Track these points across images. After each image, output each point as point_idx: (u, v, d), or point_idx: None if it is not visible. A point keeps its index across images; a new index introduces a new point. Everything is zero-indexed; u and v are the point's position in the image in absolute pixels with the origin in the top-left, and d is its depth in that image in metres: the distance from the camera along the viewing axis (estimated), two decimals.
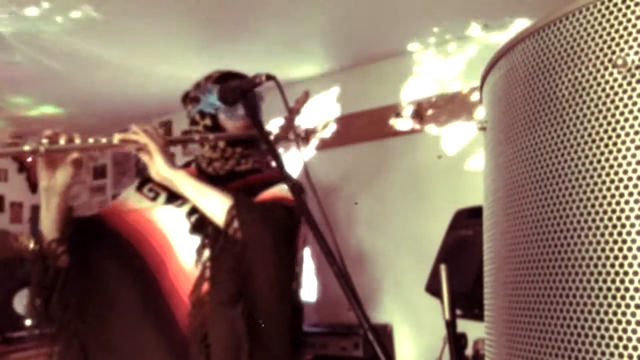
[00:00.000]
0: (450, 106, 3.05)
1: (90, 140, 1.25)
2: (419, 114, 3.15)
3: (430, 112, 3.11)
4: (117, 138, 1.27)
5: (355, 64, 3.33)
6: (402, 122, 3.19)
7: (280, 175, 1.49)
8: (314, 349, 2.88)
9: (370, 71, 3.32)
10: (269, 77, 1.20)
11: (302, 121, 3.40)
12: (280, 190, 1.37)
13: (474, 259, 1.74)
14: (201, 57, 2.87)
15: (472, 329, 1.54)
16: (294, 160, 2.90)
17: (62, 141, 1.22)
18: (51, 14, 2.45)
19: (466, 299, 1.73)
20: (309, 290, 3.32)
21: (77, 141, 1.24)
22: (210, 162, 1.49)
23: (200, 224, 1.29)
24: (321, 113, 3.45)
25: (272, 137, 2.63)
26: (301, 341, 2.80)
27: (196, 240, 1.28)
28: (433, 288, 2.00)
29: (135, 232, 1.36)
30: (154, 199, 1.44)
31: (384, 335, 2.98)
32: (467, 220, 2.03)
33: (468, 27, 2.89)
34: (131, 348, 1.25)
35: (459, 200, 2.26)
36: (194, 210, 1.32)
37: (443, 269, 1.39)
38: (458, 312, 1.47)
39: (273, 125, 3.27)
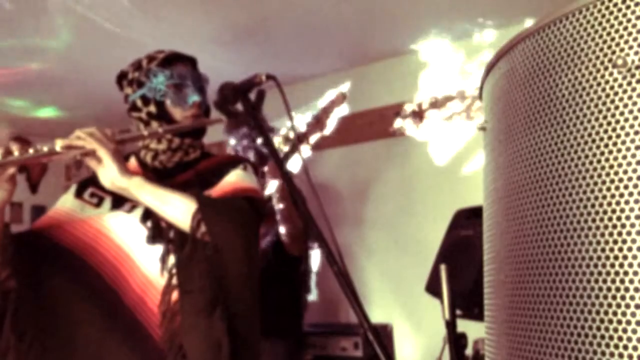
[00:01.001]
0: (450, 106, 3.05)
1: (30, 151, 1.13)
2: (419, 114, 3.15)
3: (430, 112, 3.11)
4: (59, 145, 1.14)
5: (356, 64, 3.33)
6: (403, 122, 3.19)
7: (233, 158, 1.40)
8: (314, 349, 2.88)
9: (371, 71, 3.32)
10: (269, 77, 1.18)
11: (303, 120, 3.40)
12: (237, 176, 1.30)
13: (474, 259, 1.74)
14: (206, 59, 2.87)
15: (472, 329, 1.54)
16: (294, 160, 2.90)
17: None
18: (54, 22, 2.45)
19: (466, 299, 1.73)
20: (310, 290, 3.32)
21: (16, 154, 1.12)
22: (156, 155, 1.37)
23: (158, 231, 1.20)
24: (336, 111, 3.45)
25: (297, 137, 2.62)
26: (302, 341, 2.80)
27: (156, 247, 1.20)
28: (433, 288, 2.00)
29: (84, 245, 1.24)
30: (97, 204, 1.31)
31: (384, 335, 2.97)
32: (467, 220, 2.03)
33: (469, 27, 2.89)
34: None
35: (459, 201, 2.26)
36: (147, 215, 1.23)
37: (443, 269, 1.39)
38: (458, 312, 1.47)
39: (278, 125, 3.28)
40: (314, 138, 2.51)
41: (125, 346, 1.16)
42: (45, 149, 1.14)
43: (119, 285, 1.21)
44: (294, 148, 2.43)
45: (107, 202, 1.30)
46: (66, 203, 1.34)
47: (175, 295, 1.16)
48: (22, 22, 2.51)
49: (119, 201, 1.28)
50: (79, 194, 1.35)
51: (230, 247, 1.15)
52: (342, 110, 2.63)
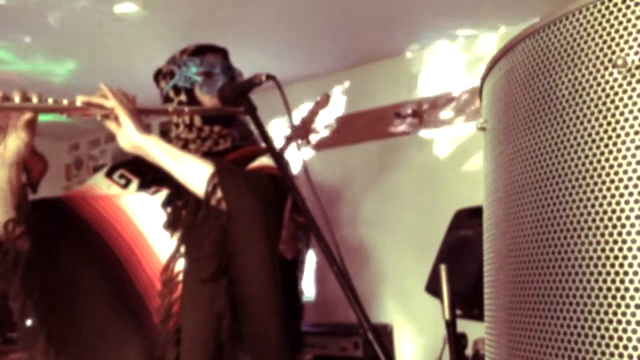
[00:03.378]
0: (450, 106, 3.05)
1: (50, 100, 1.09)
2: (419, 114, 3.14)
3: (430, 112, 3.11)
4: (80, 100, 1.12)
5: (356, 64, 3.33)
6: (403, 122, 3.19)
7: (262, 149, 1.36)
8: (314, 349, 2.88)
9: (371, 71, 3.32)
10: (269, 77, 1.18)
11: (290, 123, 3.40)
12: (262, 161, 1.27)
13: (474, 259, 1.74)
14: None
15: (472, 329, 1.54)
16: (294, 160, 2.89)
17: (16, 99, 1.06)
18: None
19: (466, 299, 1.73)
20: (309, 290, 3.32)
21: (34, 100, 1.08)
22: (186, 143, 1.38)
23: (176, 218, 1.16)
24: (322, 113, 3.45)
25: (285, 139, 2.63)
26: (300, 340, 2.80)
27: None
28: (433, 288, 2.00)
29: (103, 220, 1.22)
30: (125, 185, 1.31)
31: (384, 335, 2.97)
32: (467, 220, 2.03)
33: (469, 27, 2.89)
34: (102, 342, 1.14)
35: (459, 200, 2.26)
36: (169, 200, 1.20)
37: (443, 269, 1.39)
38: (458, 312, 1.47)
39: (279, 125, 3.28)
40: (301, 140, 2.55)
41: (127, 325, 1.14)
42: (65, 102, 1.11)
43: (131, 266, 1.19)
44: (285, 147, 2.45)
45: (134, 184, 1.31)
46: (95, 181, 1.35)
47: (179, 265, 1.12)
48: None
49: (146, 184, 1.27)
50: (109, 174, 1.36)
51: (246, 218, 1.08)
52: (328, 111, 2.65)
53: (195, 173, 1.12)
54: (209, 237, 1.08)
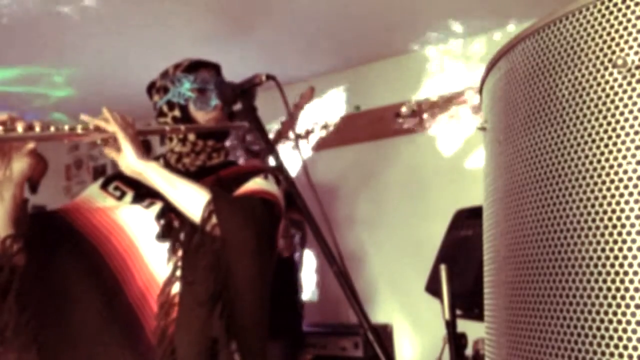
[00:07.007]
0: (450, 106, 3.05)
1: (52, 128, 1.12)
2: (419, 114, 3.14)
3: (430, 112, 3.11)
4: (80, 127, 1.15)
5: (356, 64, 3.33)
6: (403, 122, 3.19)
7: (256, 167, 1.39)
8: (314, 349, 2.88)
9: (371, 71, 3.32)
10: (269, 77, 1.18)
11: (302, 121, 3.39)
12: (256, 183, 1.30)
13: (474, 259, 1.74)
14: (206, 55, 2.86)
15: (472, 329, 1.54)
16: (294, 160, 2.90)
17: (19, 128, 1.09)
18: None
19: (466, 299, 1.73)
20: (309, 290, 3.32)
21: (37, 129, 1.11)
22: (180, 157, 1.40)
23: (169, 230, 1.21)
24: (321, 113, 3.45)
25: (273, 135, 2.64)
26: (301, 341, 2.80)
27: (165, 245, 1.20)
28: (433, 288, 2.00)
29: (98, 233, 1.26)
30: (120, 198, 1.33)
31: (384, 335, 2.98)
32: (467, 220, 2.03)
33: (469, 27, 2.89)
34: (95, 355, 1.15)
35: (459, 200, 2.25)
36: (163, 213, 1.24)
37: (443, 269, 1.39)
38: (458, 312, 1.47)
39: (274, 122, 3.29)
40: (289, 135, 2.57)
41: (119, 339, 1.15)
42: (67, 128, 1.14)
43: (124, 279, 1.21)
44: (275, 143, 2.47)
45: (129, 196, 1.33)
46: (90, 193, 1.38)
47: (176, 288, 1.14)
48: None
49: (140, 197, 1.30)
50: (104, 186, 1.38)
51: (239, 243, 1.13)
52: (311, 106, 2.67)
53: (192, 200, 1.16)
54: (203, 261, 1.12)
